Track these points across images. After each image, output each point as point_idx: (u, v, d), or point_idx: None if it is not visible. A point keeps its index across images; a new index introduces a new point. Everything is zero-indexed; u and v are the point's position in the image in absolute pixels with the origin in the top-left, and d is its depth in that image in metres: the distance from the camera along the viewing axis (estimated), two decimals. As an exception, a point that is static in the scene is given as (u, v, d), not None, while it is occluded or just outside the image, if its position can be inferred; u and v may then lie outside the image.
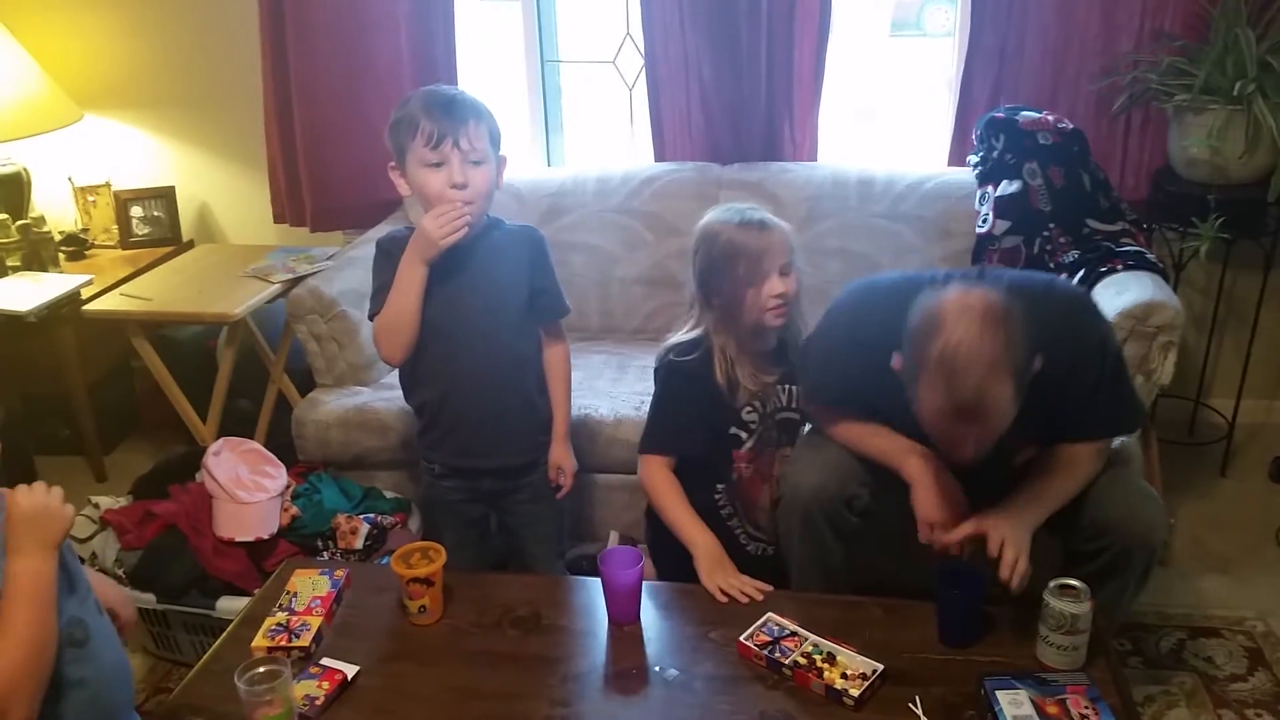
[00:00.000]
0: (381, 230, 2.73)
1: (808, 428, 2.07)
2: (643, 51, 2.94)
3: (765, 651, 1.58)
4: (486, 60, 3.33)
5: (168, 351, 2.88)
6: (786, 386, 2.00)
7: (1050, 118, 2.65)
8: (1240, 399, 2.94)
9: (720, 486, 2.01)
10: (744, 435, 1.98)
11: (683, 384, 1.94)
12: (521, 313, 1.93)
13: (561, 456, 2.00)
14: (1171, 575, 2.53)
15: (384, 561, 2.12)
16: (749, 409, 1.97)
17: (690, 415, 1.94)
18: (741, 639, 1.61)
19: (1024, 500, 1.75)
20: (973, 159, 2.78)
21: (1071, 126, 2.64)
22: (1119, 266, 2.44)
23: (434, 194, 1.78)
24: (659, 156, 3.02)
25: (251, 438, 2.79)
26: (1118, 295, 2.30)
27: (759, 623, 1.65)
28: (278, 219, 3.17)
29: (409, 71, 2.96)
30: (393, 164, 1.84)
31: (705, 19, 2.82)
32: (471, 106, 1.80)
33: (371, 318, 1.88)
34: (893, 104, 5.50)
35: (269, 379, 2.92)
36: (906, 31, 7.76)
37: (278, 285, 2.64)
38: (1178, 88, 2.60)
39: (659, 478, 1.94)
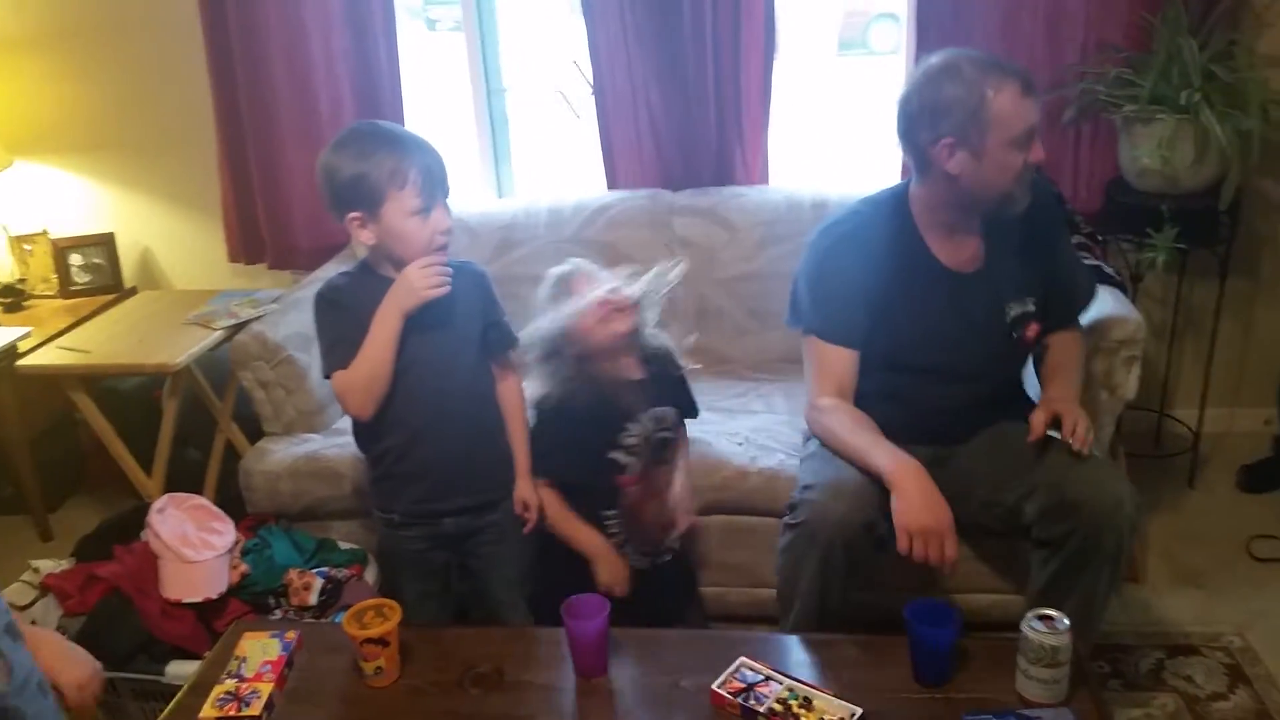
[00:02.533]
0: (328, 271, 2.66)
1: (808, 446, 2.05)
2: (590, 79, 2.90)
3: (740, 699, 1.52)
4: (432, 91, 3.27)
5: (112, 403, 2.78)
6: (661, 409, 2.03)
7: (1001, 134, 2.63)
8: (1204, 408, 2.94)
9: (609, 513, 2.00)
10: (624, 458, 1.98)
11: (554, 416, 1.98)
12: (477, 348, 1.89)
13: (526, 491, 1.95)
14: (1146, 592, 2.51)
15: (338, 618, 2.03)
16: (628, 433, 1.97)
17: (568, 444, 1.97)
18: (714, 686, 1.55)
19: (1058, 389, 2.01)
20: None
21: (1022, 142, 2.63)
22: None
23: (421, 243, 1.73)
24: (610, 184, 2.98)
25: (201, 489, 2.73)
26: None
27: (731, 668, 1.59)
28: (233, 258, 3.09)
29: (351, 109, 2.91)
30: (354, 215, 1.75)
31: (650, 45, 2.78)
32: (437, 149, 1.77)
33: (328, 375, 1.79)
34: (844, 124, 5.52)
35: (217, 428, 2.83)
36: (854, 51, 7.82)
37: (220, 332, 2.56)
38: (1125, 98, 2.60)
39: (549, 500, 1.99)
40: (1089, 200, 2.82)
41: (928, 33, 2.75)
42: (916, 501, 1.74)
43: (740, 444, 2.36)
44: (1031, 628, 1.51)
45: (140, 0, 3.00)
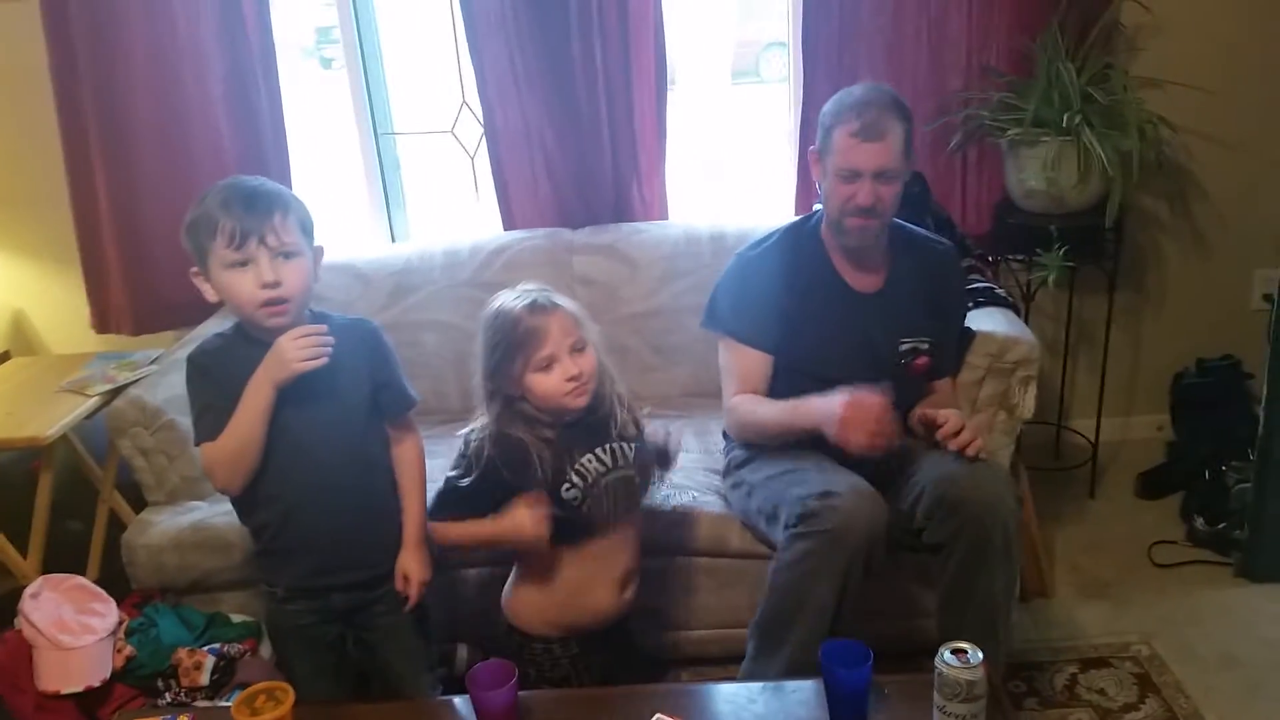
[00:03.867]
0: (209, 328, 2.54)
1: (751, 467, 2.09)
2: (481, 120, 2.85)
3: (653, 760, 1.47)
4: (317, 137, 3.18)
5: (-15, 478, 2.62)
6: (609, 446, 1.81)
7: (892, 159, 2.66)
8: (1100, 419, 3.00)
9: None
10: (563, 515, 1.79)
11: (478, 484, 1.77)
12: (365, 414, 1.77)
13: (410, 562, 1.80)
14: (1055, 606, 2.55)
15: (233, 697, 1.92)
16: (567, 486, 1.78)
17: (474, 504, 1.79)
18: (627, 748, 1.50)
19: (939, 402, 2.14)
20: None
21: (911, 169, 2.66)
22: (970, 305, 2.45)
23: (245, 297, 1.62)
24: (507, 225, 2.93)
25: (84, 564, 2.57)
26: (974, 331, 2.31)
27: (646, 725, 1.53)
28: (99, 329, 2.93)
29: (233, 155, 2.79)
30: (194, 269, 1.66)
31: (540, 83, 2.75)
32: (276, 197, 1.64)
33: (199, 443, 1.69)
34: (738, 155, 5.56)
35: (99, 498, 2.67)
36: (747, 79, 7.91)
37: (96, 399, 2.41)
38: (1009, 122, 2.66)
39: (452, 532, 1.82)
40: (978, 222, 2.87)
41: (814, 61, 2.78)
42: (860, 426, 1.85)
43: (653, 483, 2.31)
44: (945, 663, 1.49)
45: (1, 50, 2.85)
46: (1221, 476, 2.76)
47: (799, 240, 2.19)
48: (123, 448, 2.29)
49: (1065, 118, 2.57)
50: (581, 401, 1.77)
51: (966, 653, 1.50)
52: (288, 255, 1.63)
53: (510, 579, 1.88)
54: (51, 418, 2.35)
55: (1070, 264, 2.63)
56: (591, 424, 1.81)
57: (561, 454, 1.77)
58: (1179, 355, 3.12)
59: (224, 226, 1.59)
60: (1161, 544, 2.73)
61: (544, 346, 1.72)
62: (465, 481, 1.77)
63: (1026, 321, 2.79)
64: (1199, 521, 2.75)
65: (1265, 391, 2.47)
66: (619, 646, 1.94)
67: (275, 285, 1.62)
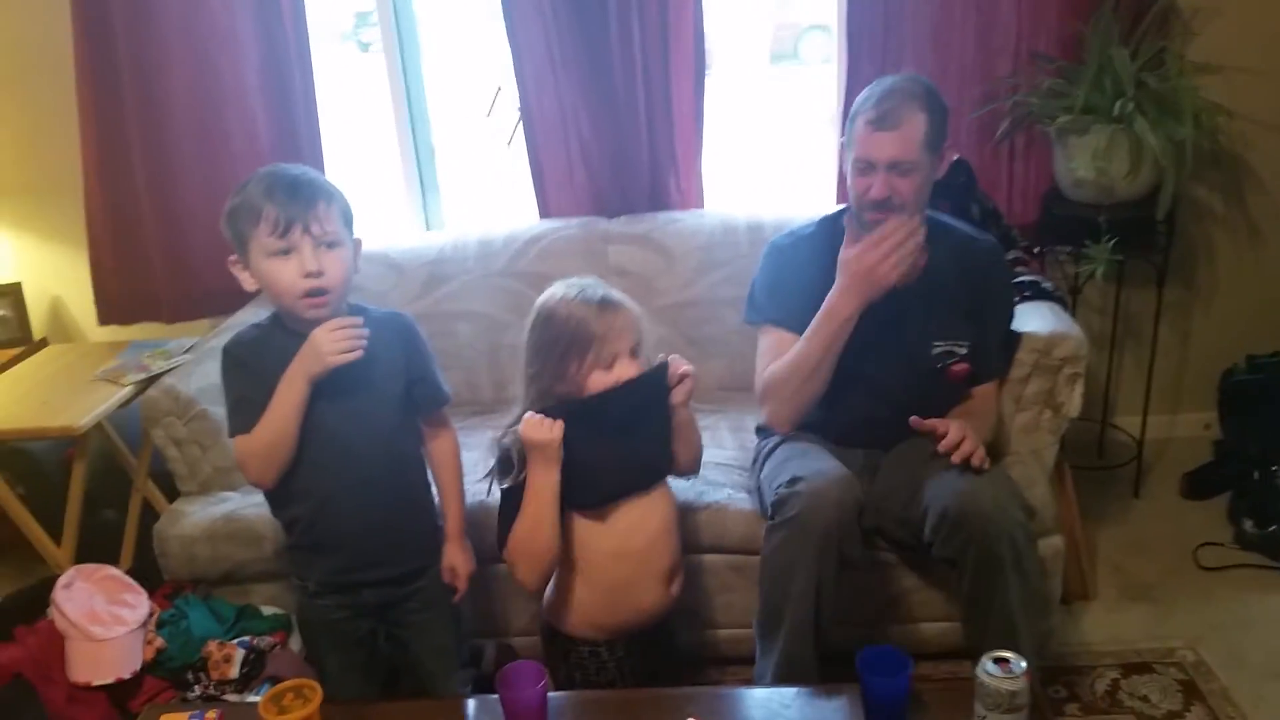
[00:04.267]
0: (243, 317, 2.53)
1: (765, 446, 2.06)
2: (518, 105, 2.82)
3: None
4: (352, 122, 3.15)
5: (23, 466, 2.63)
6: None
7: (938, 148, 2.60)
8: (1146, 416, 2.92)
9: None
10: None
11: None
12: (399, 409, 1.75)
13: (456, 557, 1.82)
14: (1097, 608, 2.49)
15: (263, 690, 1.92)
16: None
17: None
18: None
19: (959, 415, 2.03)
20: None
21: (957, 157, 2.58)
22: (1017, 299, 2.38)
23: (285, 286, 1.61)
24: (543, 213, 2.89)
25: (118, 553, 2.58)
26: (1020, 328, 2.23)
27: (679, 730, 1.50)
28: (103, 320, 2.91)
29: (267, 142, 2.78)
30: (233, 257, 1.65)
31: (577, 68, 2.70)
32: (320, 187, 1.63)
33: (233, 435, 1.68)
34: (777, 140, 5.47)
35: (133, 487, 2.68)
36: (787, 62, 7.80)
37: (130, 388, 2.41)
38: (1059, 109, 2.58)
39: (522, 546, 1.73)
40: (1025, 212, 2.79)
41: (858, 44, 2.71)
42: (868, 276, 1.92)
43: (687, 479, 2.27)
44: (987, 672, 1.45)
45: (36, 38, 2.86)
46: (1272, 477, 2.68)
47: (831, 233, 2.12)
48: (156, 437, 2.29)
49: (1117, 105, 2.48)
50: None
51: (1009, 661, 1.46)
52: (331, 245, 1.62)
53: (552, 581, 1.82)
54: (85, 407, 2.35)
55: (1119, 257, 2.55)
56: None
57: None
58: (1228, 351, 3.01)
59: (268, 214, 1.58)
60: (1208, 546, 2.66)
61: (612, 344, 1.67)
62: (512, 486, 1.71)
63: (1073, 316, 2.73)
64: (1248, 524, 2.66)
65: (1321, 390, 2.39)
66: (663, 646, 1.90)
67: (318, 274, 1.60)
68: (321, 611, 1.78)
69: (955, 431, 1.89)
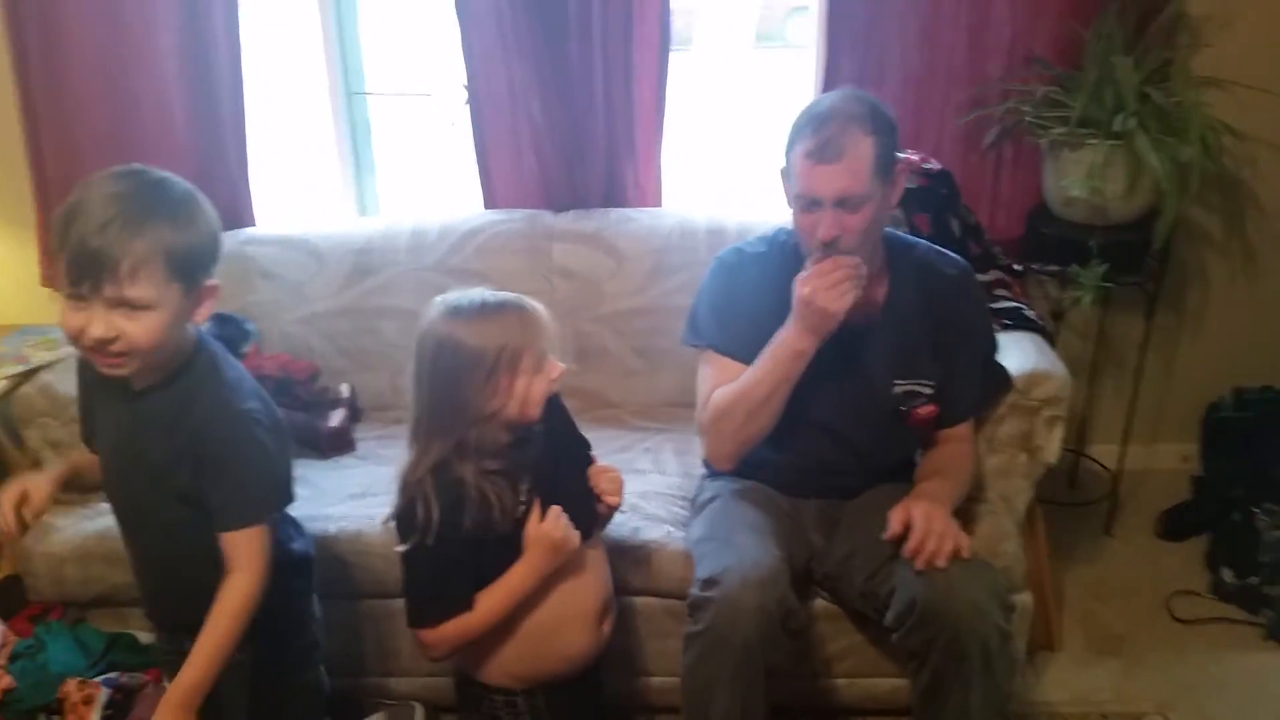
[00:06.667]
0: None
1: (697, 518, 1.88)
2: (464, 83, 2.56)
3: None
4: (282, 93, 2.89)
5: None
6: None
7: (916, 158, 2.38)
8: (1125, 448, 2.74)
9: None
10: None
11: (438, 545, 1.50)
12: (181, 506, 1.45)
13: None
14: (1062, 660, 2.32)
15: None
16: (523, 511, 1.56)
17: (459, 567, 1.53)
18: None
19: (928, 489, 1.79)
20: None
21: (939, 167, 2.38)
22: (996, 327, 2.18)
23: (72, 333, 1.34)
24: (488, 202, 2.65)
25: (-3, 560, 2.34)
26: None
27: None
28: (44, 282, 2.66)
29: (183, 111, 2.51)
30: None
31: (530, 45, 2.45)
32: (136, 229, 1.28)
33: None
34: (752, 128, 5.21)
35: (15, 484, 2.43)
36: (773, 43, 7.54)
37: (2, 382, 2.16)
38: (1053, 120, 2.36)
39: (455, 630, 1.54)
40: (1008, 228, 2.59)
41: (839, 33, 2.49)
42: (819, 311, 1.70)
43: (623, 511, 2.06)
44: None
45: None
46: (1253, 521, 2.51)
47: (783, 256, 1.89)
48: (29, 438, 2.04)
49: (1117, 119, 2.27)
50: (539, 412, 1.54)
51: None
52: (134, 308, 1.32)
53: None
54: (-51, 403, 2.10)
55: (1108, 284, 2.35)
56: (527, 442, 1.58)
57: (513, 482, 1.54)
58: (1215, 383, 2.84)
59: (66, 252, 1.29)
60: (1183, 594, 2.49)
61: (537, 344, 1.51)
62: (424, 546, 1.50)
63: (1055, 350, 2.54)
64: (1226, 573, 2.50)
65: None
66: (588, 694, 1.72)
67: (110, 340, 1.32)
68: (165, 651, 1.57)
69: (918, 527, 1.66)
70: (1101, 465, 2.87)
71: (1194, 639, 2.37)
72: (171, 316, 1.35)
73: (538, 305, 1.56)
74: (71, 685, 1.78)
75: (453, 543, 1.49)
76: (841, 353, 1.80)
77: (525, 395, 1.50)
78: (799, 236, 1.81)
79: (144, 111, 2.49)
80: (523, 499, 1.55)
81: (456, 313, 1.50)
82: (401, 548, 1.51)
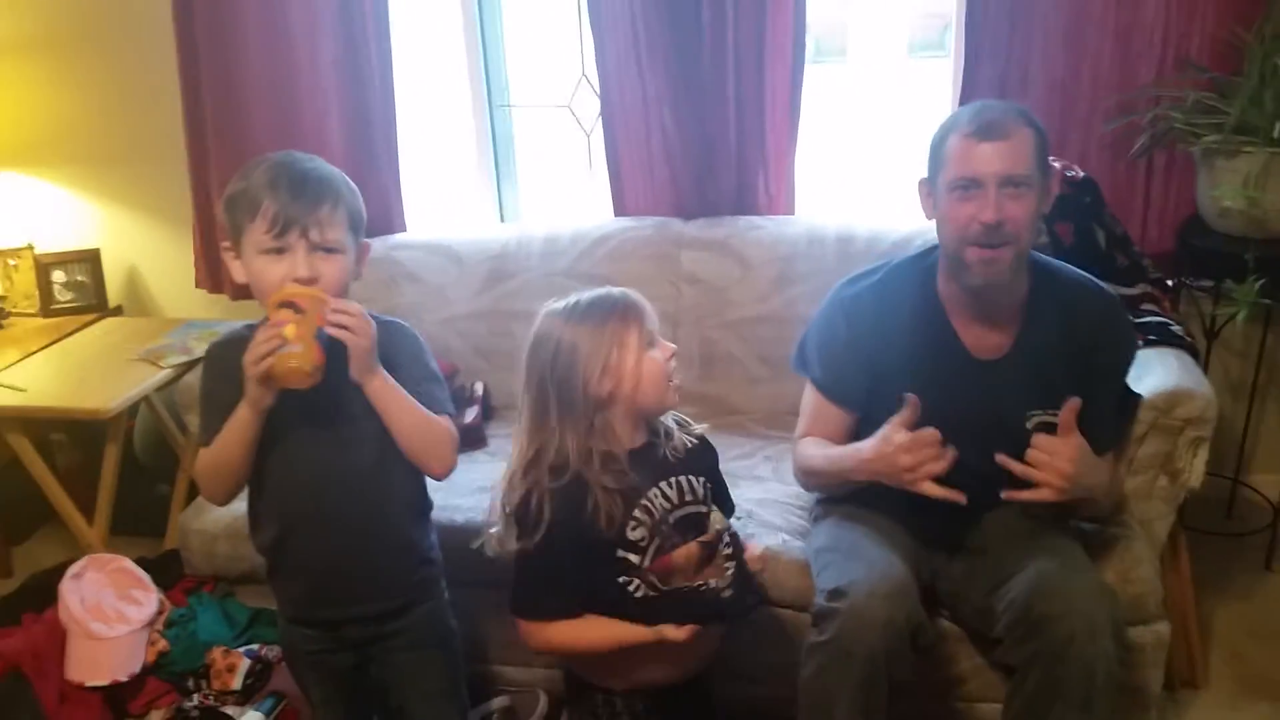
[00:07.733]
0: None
1: (816, 531, 1.85)
2: (598, 94, 2.63)
3: None
4: (429, 106, 3.03)
5: (82, 434, 2.61)
6: (674, 479, 1.58)
7: (1058, 164, 2.29)
8: (1289, 477, 2.56)
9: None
10: (634, 557, 1.54)
11: (554, 538, 1.51)
12: (380, 436, 1.53)
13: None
14: (1206, 700, 2.18)
15: (263, 706, 1.81)
16: (633, 525, 1.53)
17: (566, 570, 1.54)
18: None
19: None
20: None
21: (1082, 174, 2.29)
22: (1140, 342, 2.08)
23: (267, 288, 1.45)
24: (619, 210, 2.70)
25: (164, 530, 2.54)
26: (1139, 380, 1.94)
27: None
28: (199, 284, 2.88)
29: (338, 123, 2.67)
30: (226, 244, 1.51)
31: (663, 55, 2.50)
32: (328, 187, 1.47)
33: (199, 445, 1.55)
34: (896, 139, 5.13)
35: (179, 466, 2.63)
36: (932, 52, 7.39)
37: (168, 371, 2.34)
38: (1207, 127, 2.24)
39: (557, 635, 1.56)
40: (1160, 241, 2.46)
41: (978, 38, 2.43)
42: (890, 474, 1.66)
43: (739, 517, 2.06)
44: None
45: (124, 7, 2.82)
46: None
47: (908, 284, 1.83)
48: (189, 424, 2.21)
49: (1277, 126, 2.13)
50: (677, 399, 1.59)
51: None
52: (329, 251, 1.47)
53: None
54: (118, 389, 2.29)
55: (1266, 301, 2.20)
56: (653, 452, 1.58)
57: (629, 493, 1.53)
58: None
59: (266, 209, 1.43)
60: (1350, 639, 2.31)
61: (646, 321, 1.54)
62: (533, 546, 1.52)
63: (1207, 360, 2.39)
64: (1402, 617, 2.30)
65: None
66: (694, 701, 1.70)
67: (309, 282, 1.45)
68: (301, 640, 1.63)
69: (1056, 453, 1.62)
70: (1262, 495, 2.69)
71: (1359, 687, 2.20)
72: (351, 264, 1.51)
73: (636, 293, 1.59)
74: (217, 653, 1.92)
75: (563, 543, 1.50)
76: (969, 394, 1.74)
77: (638, 373, 1.51)
78: (949, 233, 1.72)
79: (304, 122, 2.66)
80: (636, 517, 1.53)
81: (566, 314, 1.56)
82: (514, 546, 1.52)
